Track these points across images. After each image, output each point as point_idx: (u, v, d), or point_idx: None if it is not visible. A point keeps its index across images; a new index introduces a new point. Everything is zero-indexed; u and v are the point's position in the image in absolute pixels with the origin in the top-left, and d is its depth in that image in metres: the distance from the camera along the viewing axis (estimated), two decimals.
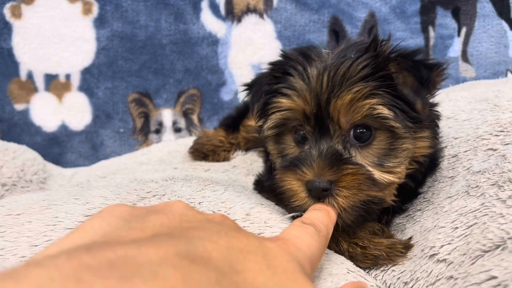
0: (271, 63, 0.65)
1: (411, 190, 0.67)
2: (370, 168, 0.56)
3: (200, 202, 0.66)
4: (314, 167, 0.55)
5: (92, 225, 0.32)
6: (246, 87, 0.71)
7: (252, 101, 0.68)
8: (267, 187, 0.75)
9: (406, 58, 0.58)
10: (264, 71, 0.68)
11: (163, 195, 0.68)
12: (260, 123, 0.66)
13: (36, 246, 0.55)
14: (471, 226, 0.53)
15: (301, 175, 0.56)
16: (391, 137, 0.57)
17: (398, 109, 0.56)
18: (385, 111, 0.55)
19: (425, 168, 0.67)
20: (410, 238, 0.60)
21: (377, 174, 0.56)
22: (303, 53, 0.62)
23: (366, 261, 0.58)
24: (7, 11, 1.24)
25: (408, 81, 0.55)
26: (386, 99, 0.55)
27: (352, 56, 0.57)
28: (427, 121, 0.60)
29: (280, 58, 0.65)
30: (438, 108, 0.68)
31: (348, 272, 0.53)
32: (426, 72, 0.57)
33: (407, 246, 0.58)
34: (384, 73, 0.56)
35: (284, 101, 0.59)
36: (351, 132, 0.58)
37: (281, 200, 0.64)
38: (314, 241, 0.41)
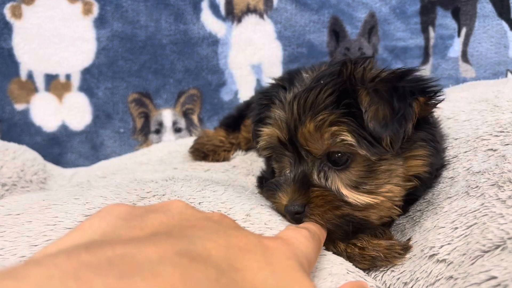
0: (260, 92, 0.71)
1: (417, 198, 0.68)
2: (344, 191, 0.57)
3: (200, 203, 0.66)
4: (288, 192, 0.58)
5: (91, 225, 0.32)
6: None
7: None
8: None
9: (385, 82, 0.55)
10: (259, 94, 0.73)
11: (163, 195, 0.68)
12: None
13: (35, 246, 0.54)
14: (471, 226, 0.53)
15: (278, 200, 0.60)
16: (369, 160, 0.56)
17: (362, 138, 0.54)
18: (349, 138, 0.54)
19: (430, 181, 0.67)
20: (409, 240, 0.60)
21: (351, 197, 0.56)
22: (289, 78, 0.65)
23: (364, 262, 0.58)
24: (7, 11, 1.23)
25: (378, 112, 0.53)
26: (352, 126, 0.55)
27: (322, 82, 0.57)
28: (417, 141, 0.59)
29: (268, 86, 0.70)
30: (437, 108, 0.65)
31: (347, 272, 0.53)
32: (399, 103, 0.53)
33: (406, 247, 0.58)
34: (349, 101, 0.55)
35: (264, 129, 0.63)
36: (326, 157, 0.58)
37: None
38: (309, 243, 0.42)
